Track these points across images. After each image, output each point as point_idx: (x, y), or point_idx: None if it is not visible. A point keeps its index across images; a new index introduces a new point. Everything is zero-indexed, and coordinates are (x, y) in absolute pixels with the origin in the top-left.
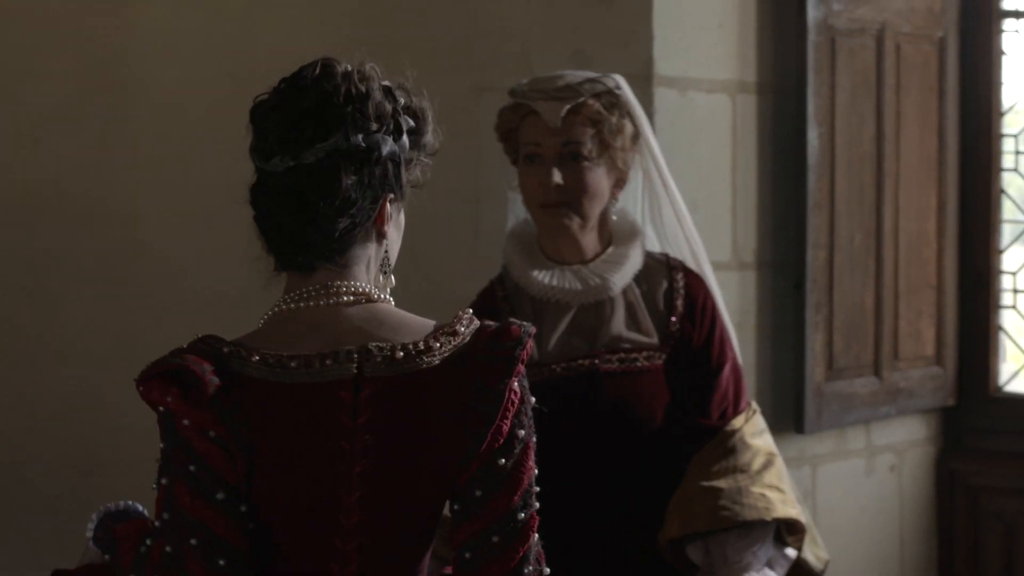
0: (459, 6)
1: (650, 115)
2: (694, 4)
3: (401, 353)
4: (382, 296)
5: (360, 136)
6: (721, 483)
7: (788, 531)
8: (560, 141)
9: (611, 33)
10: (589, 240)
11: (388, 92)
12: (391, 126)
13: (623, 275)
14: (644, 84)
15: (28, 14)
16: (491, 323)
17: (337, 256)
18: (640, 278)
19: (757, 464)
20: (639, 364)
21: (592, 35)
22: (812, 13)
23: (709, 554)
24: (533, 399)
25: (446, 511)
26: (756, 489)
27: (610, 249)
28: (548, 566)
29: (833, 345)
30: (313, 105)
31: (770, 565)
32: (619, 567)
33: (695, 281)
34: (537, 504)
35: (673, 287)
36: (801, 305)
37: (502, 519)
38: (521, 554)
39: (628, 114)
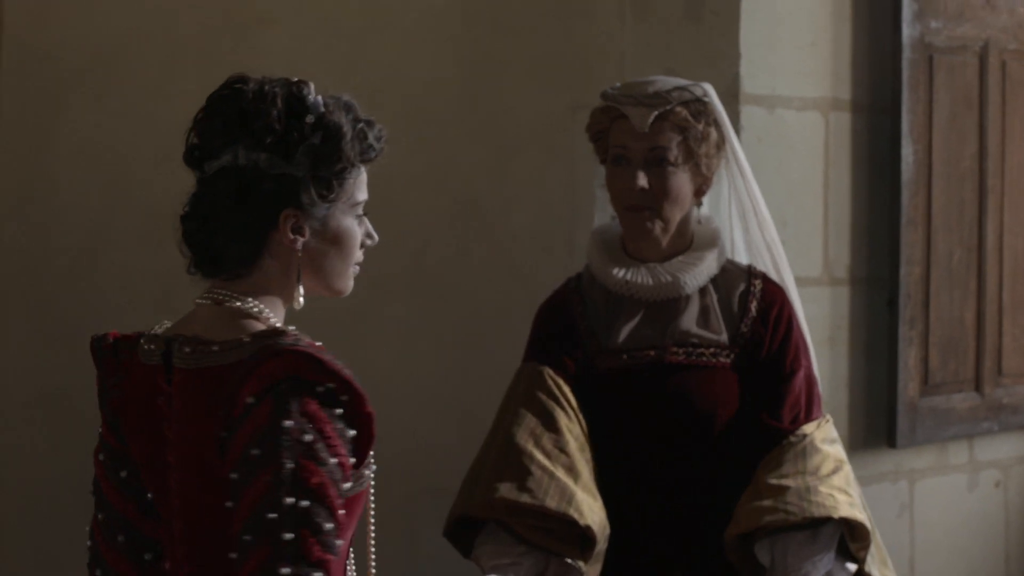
0: (556, 26)
1: (737, 132)
2: (785, 23)
3: (189, 348)
4: (242, 301)
5: (249, 154)
6: (790, 482)
7: (852, 537)
8: (647, 146)
9: (700, 51)
10: (670, 241)
11: (289, 110)
12: (285, 144)
13: (696, 276)
14: (731, 101)
15: (162, 37)
16: (297, 349)
17: (228, 268)
18: (718, 282)
19: (826, 468)
20: (705, 359)
21: (682, 53)
22: (907, 31)
23: (773, 555)
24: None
25: None
26: (824, 489)
27: (689, 252)
28: (611, 550)
29: (929, 360)
30: (214, 122)
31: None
32: (679, 554)
33: (773, 288)
34: (283, 532)
35: (750, 291)
36: (894, 320)
37: (237, 538)
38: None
39: (714, 122)
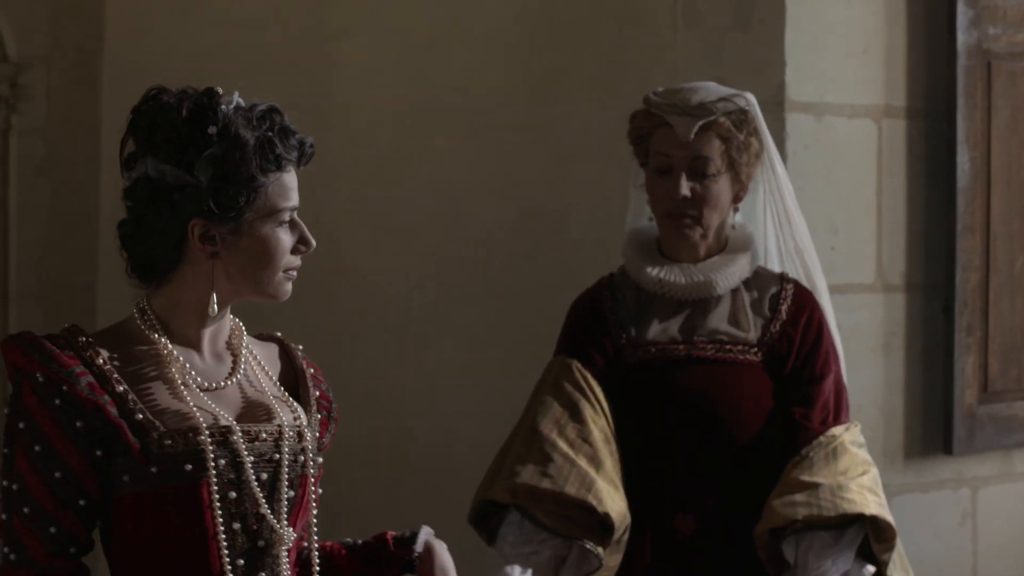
0: (613, 36)
1: (782, 139)
2: (835, 31)
3: None
4: (134, 313)
5: (157, 165)
6: (822, 479)
7: (877, 539)
8: (691, 154)
9: (747, 59)
10: (705, 245)
11: (193, 120)
12: (186, 155)
13: (727, 277)
14: (776, 109)
15: (248, 50)
16: (14, 339)
17: (157, 275)
18: (750, 284)
19: (856, 470)
20: (733, 355)
21: (731, 61)
22: (963, 38)
23: (797, 553)
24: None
25: None
26: (855, 487)
27: (722, 253)
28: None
29: (988, 367)
30: (133, 134)
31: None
32: (703, 545)
33: (804, 294)
34: (3, 514)
35: (781, 295)
36: (950, 327)
37: None
38: None
39: (755, 131)
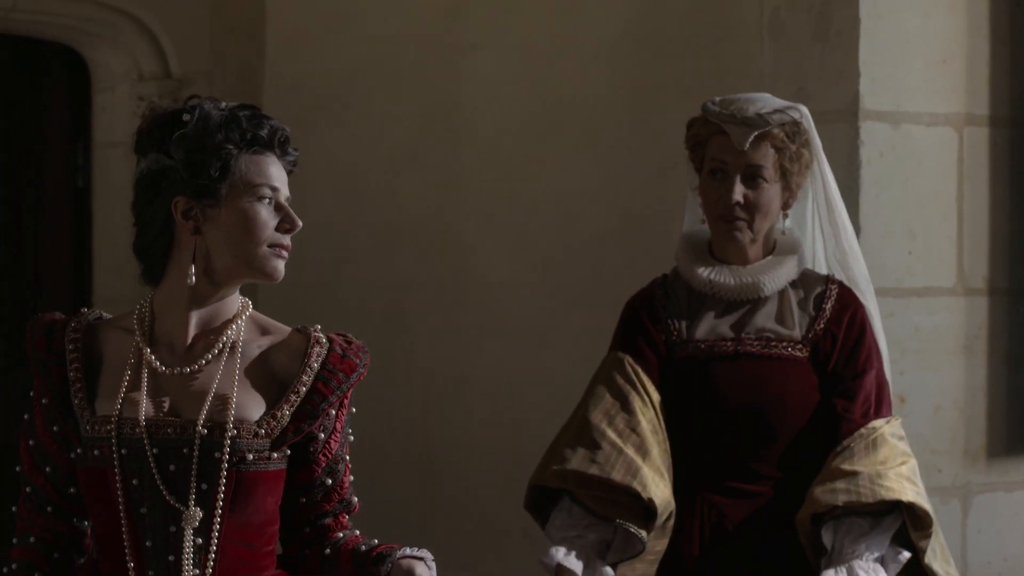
0: (707, 49)
1: (856, 146)
2: (913, 42)
3: None
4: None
5: (146, 160)
6: (861, 468)
7: (914, 527)
8: (745, 162)
9: (826, 70)
10: (754, 249)
11: (173, 116)
12: (163, 140)
13: (775, 279)
14: (851, 118)
15: (385, 65)
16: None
17: (151, 268)
18: (797, 285)
19: (895, 460)
20: (778, 351)
21: (811, 72)
22: None
23: (834, 538)
24: None
25: None
26: (893, 475)
27: (769, 257)
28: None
29: None
30: (136, 148)
31: (883, 563)
32: (748, 534)
33: (848, 293)
34: None
35: (826, 294)
36: None
37: None
38: None
39: (807, 143)
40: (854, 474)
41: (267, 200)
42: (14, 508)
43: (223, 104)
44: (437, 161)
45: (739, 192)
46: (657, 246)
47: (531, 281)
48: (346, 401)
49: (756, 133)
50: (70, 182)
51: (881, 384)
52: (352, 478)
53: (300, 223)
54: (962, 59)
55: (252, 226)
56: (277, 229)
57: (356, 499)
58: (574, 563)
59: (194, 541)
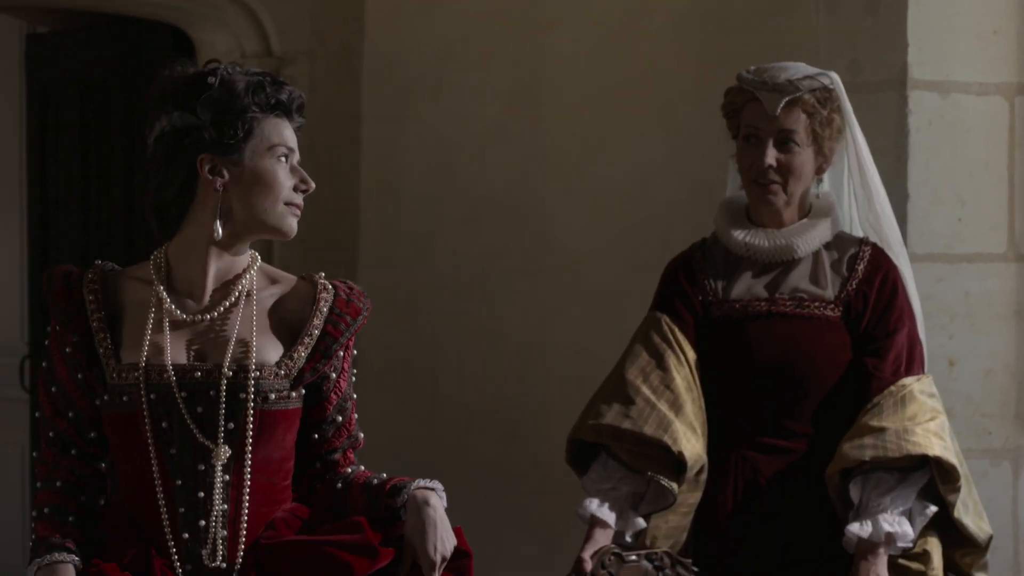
0: (766, 23)
1: (905, 115)
2: (963, 13)
3: None
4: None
5: (169, 118)
6: (889, 423)
7: (942, 480)
8: (777, 127)
9: (876, 41)
10: (789, 212)
11: (197, 77)
12: (188, 100)
13: (808, 241)
14: (900, 88)
15: (474, 42)
16: None
17: (166, 223)
18: (831, 247)
19: (923, 416)
20: (810, 311)
21: (862, 44)
22: None
23: (862, 492)
24: None
25: None
26: (920, 431)
27: (804, 220)
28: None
29: None
30: (149, 105)
31: (911, 516)
32: (780, 486)
33: (881, 255)
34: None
35: (859, 256)
36: None
37: None
38: None
39: (838, 108)
40: (882, 430)
41: (284, 160)
42: (35, 454)
43: (245, 69)
44: (521, 134)
45: (772, 156)
46: None
47: (607, 249)
48: (351, 342)
49: (787, 99)
50: None
51: (913, 343)
52: (357, 416)
53: (313, 185)
54: (1013, 30)
55: (272, 184)
56: (294, 189)
57: (362, 435)
58: (607, 514)
59: (223, 478)
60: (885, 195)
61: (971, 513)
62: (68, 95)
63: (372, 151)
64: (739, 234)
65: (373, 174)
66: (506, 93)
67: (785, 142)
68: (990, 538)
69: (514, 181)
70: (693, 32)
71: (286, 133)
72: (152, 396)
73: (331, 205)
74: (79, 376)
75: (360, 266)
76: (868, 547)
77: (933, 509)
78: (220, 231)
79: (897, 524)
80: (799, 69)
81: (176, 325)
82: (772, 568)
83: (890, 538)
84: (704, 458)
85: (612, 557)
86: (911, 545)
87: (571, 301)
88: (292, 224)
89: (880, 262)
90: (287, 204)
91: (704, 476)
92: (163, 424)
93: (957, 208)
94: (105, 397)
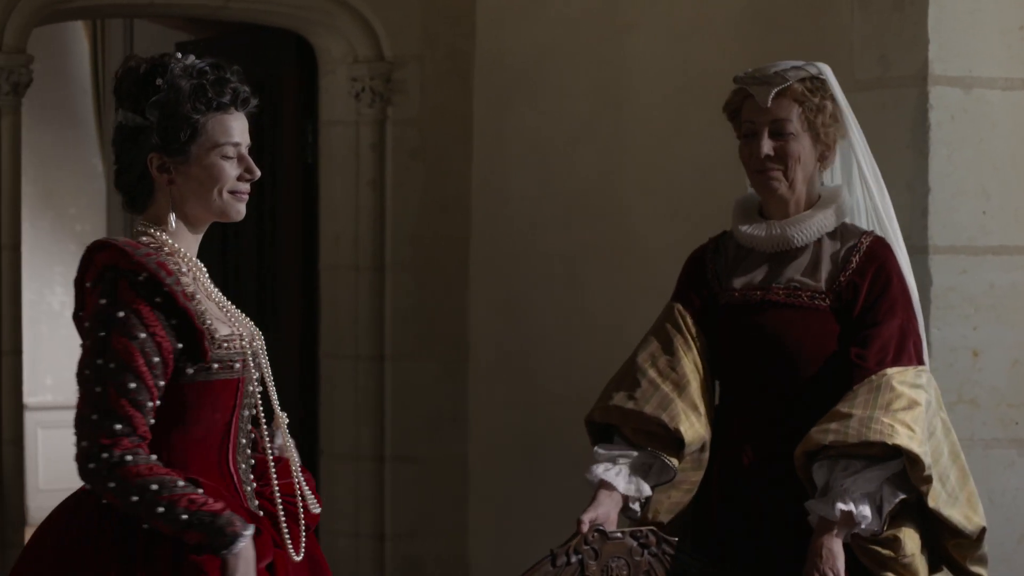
0: (810, 22)
1: (926, 110)
2: (987, 9)
3: None
4: (147, 230)
5: (125, 114)
6: (858, 411)
7: (911, 469)
8: (769, 118)
9: (901, 38)
10: (794, 202)
11: (147, 77)
12: (139, 102)
13: (803, 230)
14: (921, 83)
15: (565, 44)
16: (116, 244)
17: (139, 206)
18: (836, 237)
19: (898, 405)
20: (802, 301)
21: (890, 40)
22: None
23: (829, 475)
24: None
25: None
26: (887, 419)
27: (808, 211)
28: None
29: None
30: (115, 93)
31: (880, 501)
32: (762, 471)
33: (879, 247)
34: (94, 385)
35: (857, 247)
36: None
37: None
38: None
39: (831, 96)
40: (848, 416)
41: (231, 155)
42: (107, 441)
43: (192, 65)
44: (605, 133)
45: (767, 146)
46: None
47: (681, 245)
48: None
49: (776, 89)
50: (301, 159)
51: (905, 334)
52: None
53: (258, 173)
54: None
55: (217, 178)
56: (238, 179)
57: None
58: (613, 477)
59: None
60: (883, 185)
61: (959, 504)
62: None
63: (481, 151)
64: (745, 227)
65: (482, 173)
66: (591, 94)
67: (779, 131)
68: (982, 530)
69: (599, 179)
70: (747, 31)
71: (233, 127)
72: (250, 363)
73: (443, 203)
74: (179, 346)
75: (471, 262)
76: (824, 525)
77: (901, 496)
78: (174, 223)
79: (853, 504)
80: (788, 63)
81: (213, 296)
82: (757, 548)
83: (846, 517)
84: (706, 437)
85: (596, 534)
86: (877, 529)
87: (648, 294)
88: (239, 209)
89: (877, 253)
90: (232, 192)
91: (706, 455)
92: (249, 387)
93: (982, 201)
94: (214, 366)
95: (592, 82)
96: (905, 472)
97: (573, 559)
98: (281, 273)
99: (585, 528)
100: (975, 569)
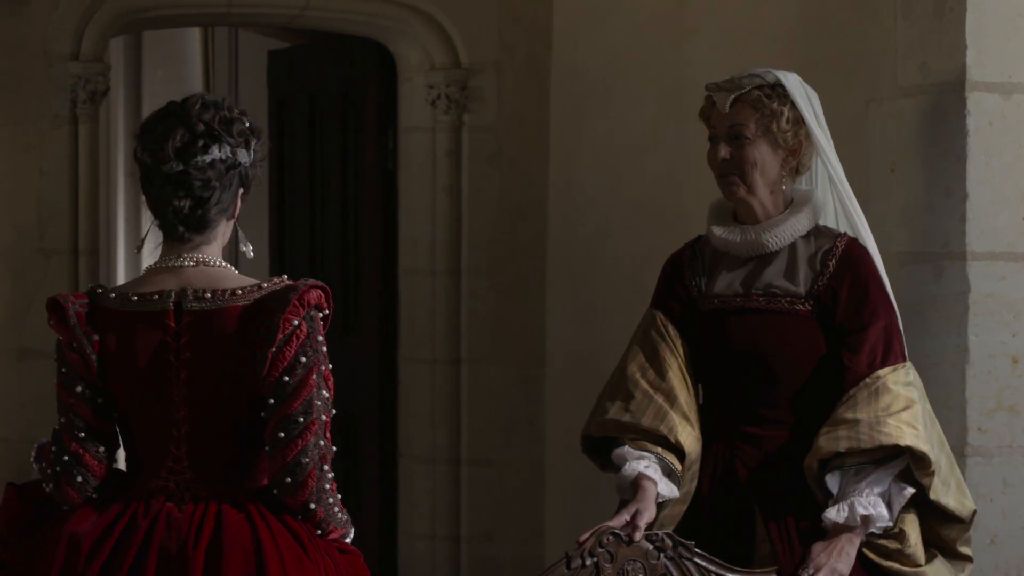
0: (856, 29)
1: (964, 116)
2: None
3: (209, 295)
4: (219, 262)
5: (228, 150)
6: (862, 415)
7: (916, 467)
8: (727, 123)
9: (941, 44)
10: (762, 206)
11: (242, 116)
12: (245, 142)
13: (777, 235)
14: (959, 89)
15: (635, 51)
16: (292, 283)
17: (205, 232)
18: (810, 240)
19: (897, 406)
20: (781, 306)
21: (931, 47)
22: None
23: (840, 483)
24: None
25: None
26: (892, 422)
27: (781, 215)
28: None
29: None
30: (198, 128)
31: (889, 498)
32: (754, 475)
33: (855, 250)
34: (324, 415)
35: (833, 251)
36: None
37: (286, 420)
38: (300, 447)
39: (789, 104)
40: (856, 422)
41: None
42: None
43: None
44: (670, 139)
45: (724, 151)
46: None
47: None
48: None
49: (733, 95)
50: (381, 165)
51: (890, 335)
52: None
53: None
54: None
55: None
56: None
57: None
58: (653, 473)
59: None
60: (850, 191)
61: (953, 491)
62: (299, 107)
63: (558, 157)
64: (718, 231)
65: (558, 179)
66: (657, 99)
67: (736, 136)
68: (973, 513)
69: (664, 184)
70: (798, 38)
71: None
72: None
73: (519, 209)
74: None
75: (548, 268)
76: (843, 529)
77: (910, 491)
78: (252, 252)
79: (872, 506)
80: (748, 71)
81: None
82: (744, 553)
83: (866, 520)
84: (699, 447)
85: (611, 537)
86: (890, 524)
87: None
88: None
89: (852, 256)
90: None
91: (697, 466)
92: None
93: (1021, 207)
94: None
95: (658, 88)
96: (908, 468)
97: (588, 562)
98: (363, 277)
99: (642, 526)
100: (964, 550)
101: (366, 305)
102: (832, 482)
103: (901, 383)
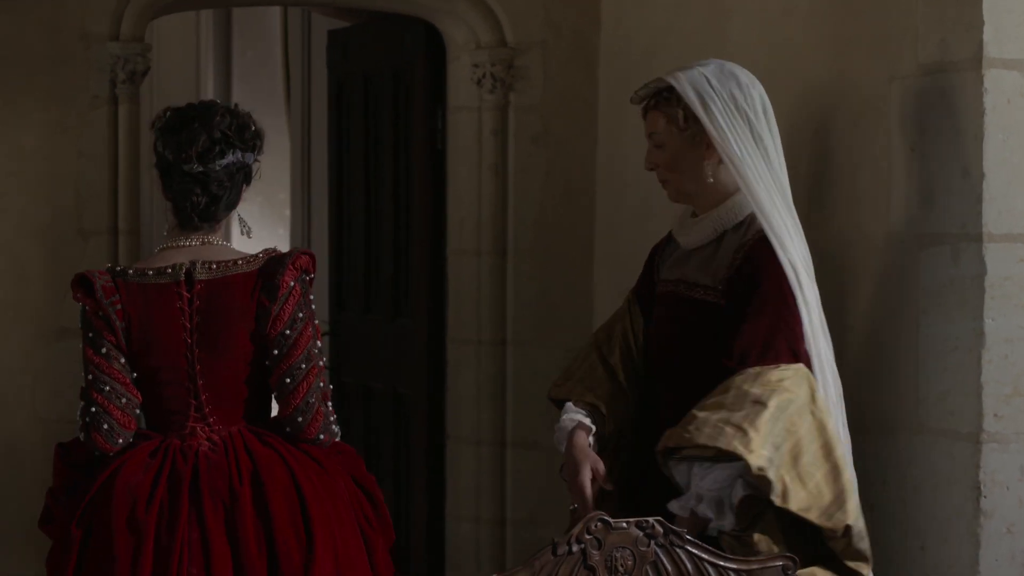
0: (879, 6)
1: (981, 95)
2: None
3: (215, 266)
4: (221, 241)
5: (239, 154)
6: (703, 413)
7: (747, 470)
8: (648, 132)
9: (959, 22)
10: (698, 200)
11: (251, 121)
12: (252, 145)
13: (701, 230)
14: (976, 67)
15: (676, 31)
16: (310, 252)
17: (213, 222)
18: (739, 232)
19: (739, 406)
20: (694, 295)
21: (950, 24)
22: None
23: (688, 472)
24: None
25: None
26: (719, 421)
27: (716, 209)
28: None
29: None
30: (216, 135)
31: (730, 496)
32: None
33: (760, 248)
34: (320, 360)
35: (742, 247)
36: None
37: (291, 369)
38: (306, 389)
39: (682, 104)
40: (692, 418)
41: None
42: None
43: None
44: None
45: (648, 159)
46: (841, 194)
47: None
48: None
49: (642, 106)
50: (430, 144)
51: (774, 332)
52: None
53: None
54: None
55: None
56: None
57: None
58: (583, 418)
59: None
60: (752, 183)
61: (822, 503)
62: (355, 86)
63: (605, 136)
64: (674, 224)
65: (605, 159)
66: None
67: (655, 143)
68: (846, 528)
69: None
70: (827, 16)
71: None
72: None
73: (566, 189)
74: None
75: (596, 249)
76: (680, 522)
77: (740, 492)
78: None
79: (697, 505)
80: (652, 80)
81: None
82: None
83: (693, 517)
84: (627, 417)
85: (600, 524)
86: (725, 524)
87: None
88: None
89: (755, 255)
90: None
91: (624, 436)
92: None
93: None
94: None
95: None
96: None
97: (575, 548)
98: (413, 258)
99: (603, 471)
100: (851, 565)
101: (415, 286)
102: (677, 472)
103: (765, 382)
